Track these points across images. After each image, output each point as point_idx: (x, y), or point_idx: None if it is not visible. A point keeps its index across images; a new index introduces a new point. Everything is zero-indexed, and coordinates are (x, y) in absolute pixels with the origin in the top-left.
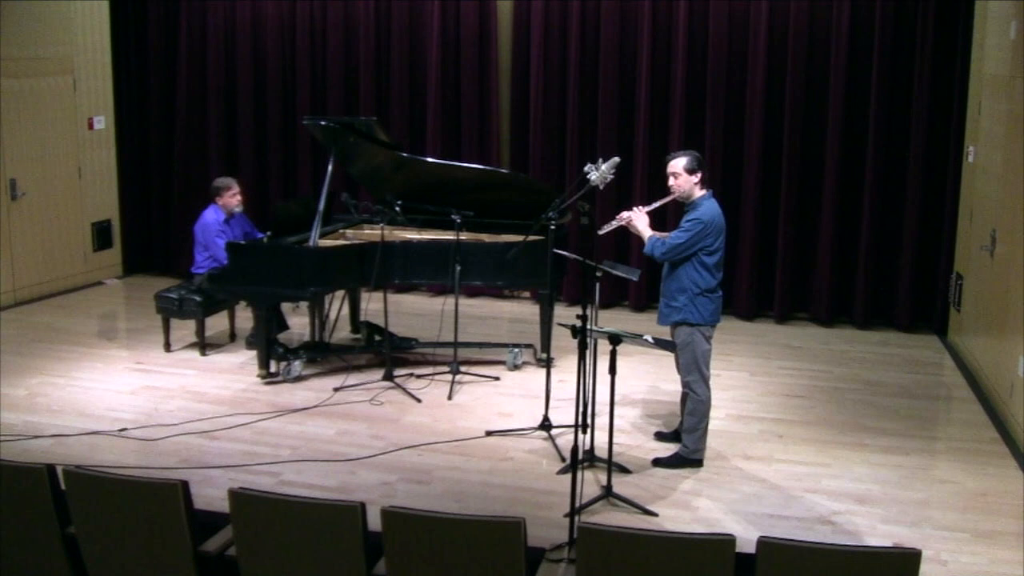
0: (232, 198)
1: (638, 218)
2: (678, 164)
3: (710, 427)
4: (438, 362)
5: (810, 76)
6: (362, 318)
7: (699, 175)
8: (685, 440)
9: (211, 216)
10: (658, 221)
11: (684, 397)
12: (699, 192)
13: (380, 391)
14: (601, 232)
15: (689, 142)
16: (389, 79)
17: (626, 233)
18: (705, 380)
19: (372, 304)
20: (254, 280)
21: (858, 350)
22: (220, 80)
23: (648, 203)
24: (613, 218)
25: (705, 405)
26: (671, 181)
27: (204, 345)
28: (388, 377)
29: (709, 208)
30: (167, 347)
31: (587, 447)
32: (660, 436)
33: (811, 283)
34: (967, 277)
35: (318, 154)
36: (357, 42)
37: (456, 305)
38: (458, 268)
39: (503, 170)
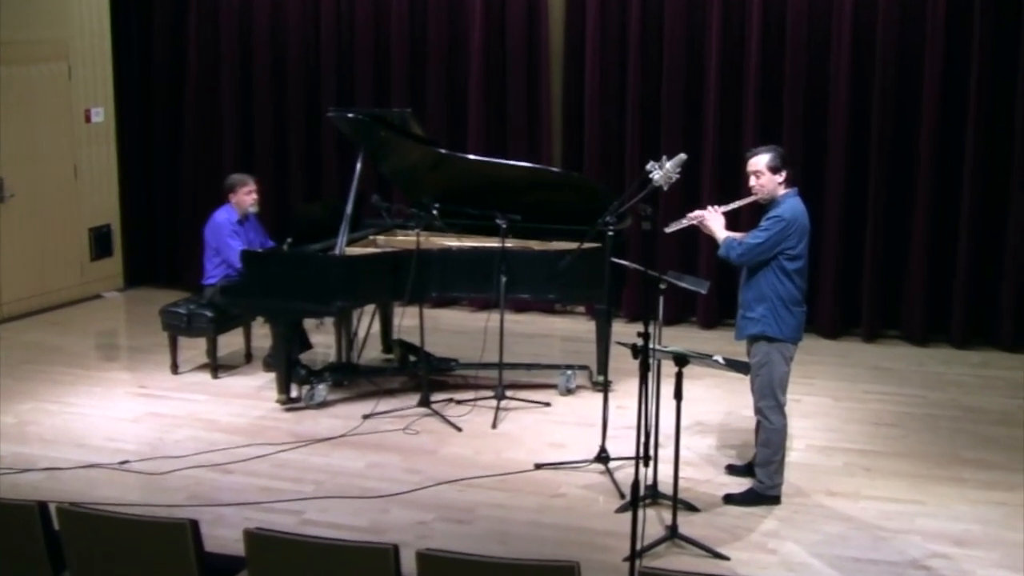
0: (247, 196)
1: (712, 218)
2: (760, 161)
3: (789, 459)
4: (481, 386)
5: (902, 62)
6: (395, 336)
7: (784, 174)
8: (759, 474)
9: (223, 216)
10: (731, 225)
11: (759, 425)
12: (783, 190)
13: (415, 419)
14: (668, 231)
15: (765, 137)
16: (425, 65)
17: (693, 240)
18: (780, 406)
19: (406, 320)
20: (273, 293)
21: (956, 372)
22: (234, 67)
23: (723, 204)
24: (683, 216)
25: (780, 435)
26: (752, 181)
27: (216, 367)
28: (424, 403)
29: (792, 205)
30: (174, 369)
31: (649, 482)
32: (732, 470)
33: (903, 297)
34: None
35: (345, 151)
36: (389, 23)
37: (501, 321)
38: (503, 279)
39: (554, 168)
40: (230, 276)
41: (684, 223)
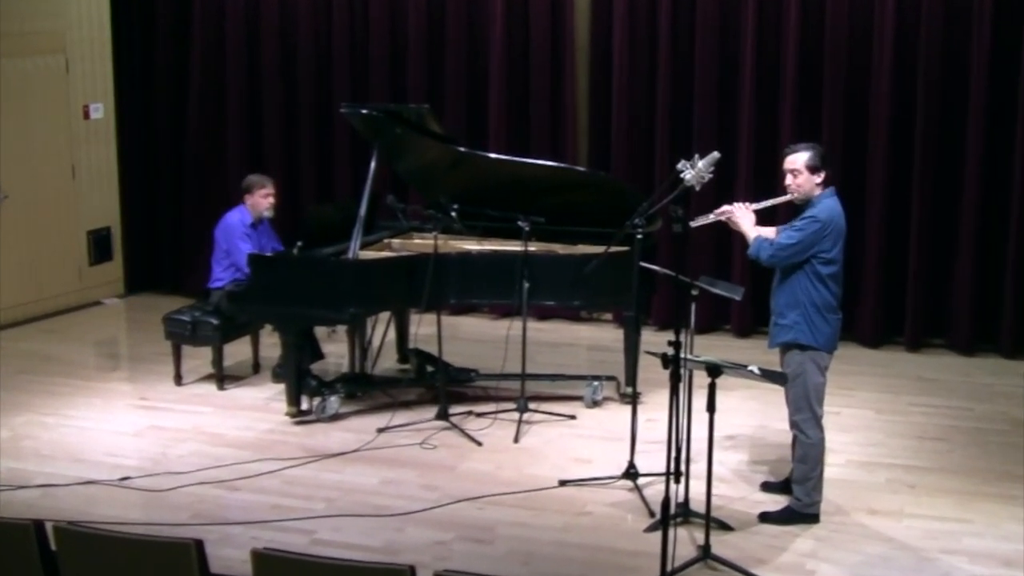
0: (264, 199)
1: (742, 215)
2: (799, 160)
3: (828, 475)
4: (502, 398)
5: (947, 56)
6: (411, 345)
7: (823, 174)
8: (796, 491)
9: (236, 217)
10: (764, 224)
11: (795, 440)
12: (820, 191)
13: (433, 433)
14: (694, 224)
15: (803, 134)
16: (443, 59)
17: (727, 243)
18: (817, 419)
19: (423, 328)
20: (282, 299)
21: (1005, 383)
22: (241, 60)
23: (754, 201)
24: (711, 211)
25: (817, 449)
26: (789, 180)
27: (222, 377)
28: (442, 416)
29: (828, 206)
30: (178, 380)
31: (681, 499)
32: (768, 487)
33: (948, 303)
34: None
35: (359, 149)
36: (405, 15)
37: (524, 329)
38: (526, 285)
39: (580, 168)
40: (239, 280)
41: (711, 218)
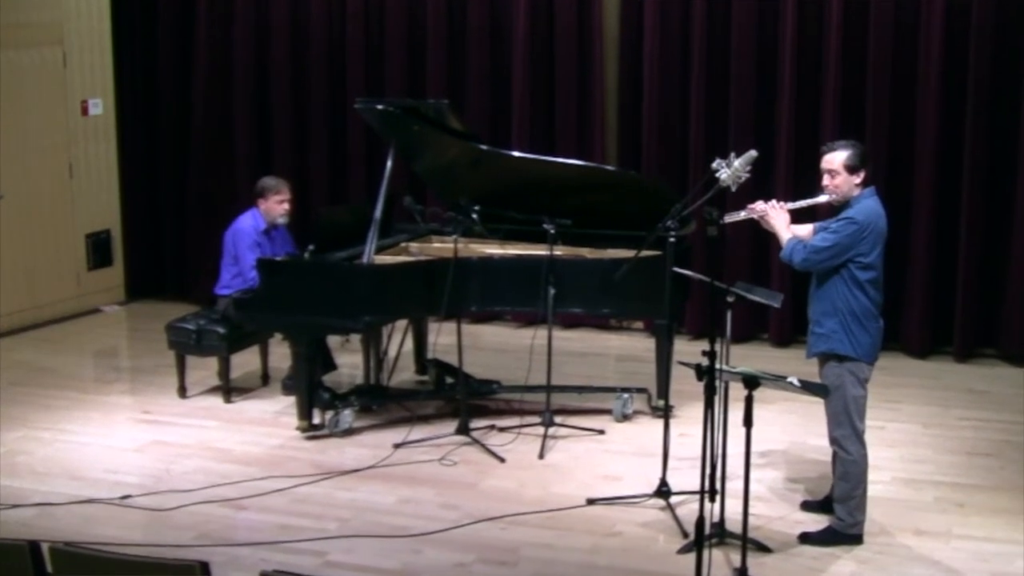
0: (279, 204)
1: (776, 214)
2: (836, 159)
3: (872, 493)
4: (526, 411)
5: (998, 49)
6: (430, 355)
7: (862, 174)
8: (838, 511)
9: (247, 222)
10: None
11: (835, 457)
12: (859, 192)
13: (453, 448)
14: (725, 220)
15: (845, 132)
16: (464, 51)
17: (765, 246)
18: (858, 434)
19: (443, 338)
20: (292, 307)
21: None
22: (250, 53)
23: (789, 200)
24: (743, 208)
25: (859, 467)
26: (826, 180)
27: (229, 390)
28: (463, 430)
29: (867, 207)
30: (182, 392)
31: (716, 519)
32: (807, 506)
33: (1000, 311)
34: None
35: (374, 147)
36: (423, 4)
37: (549, 339)
38: (552, 291)
39: (608, 167)
40: (246, 290)
41: (742, 215)
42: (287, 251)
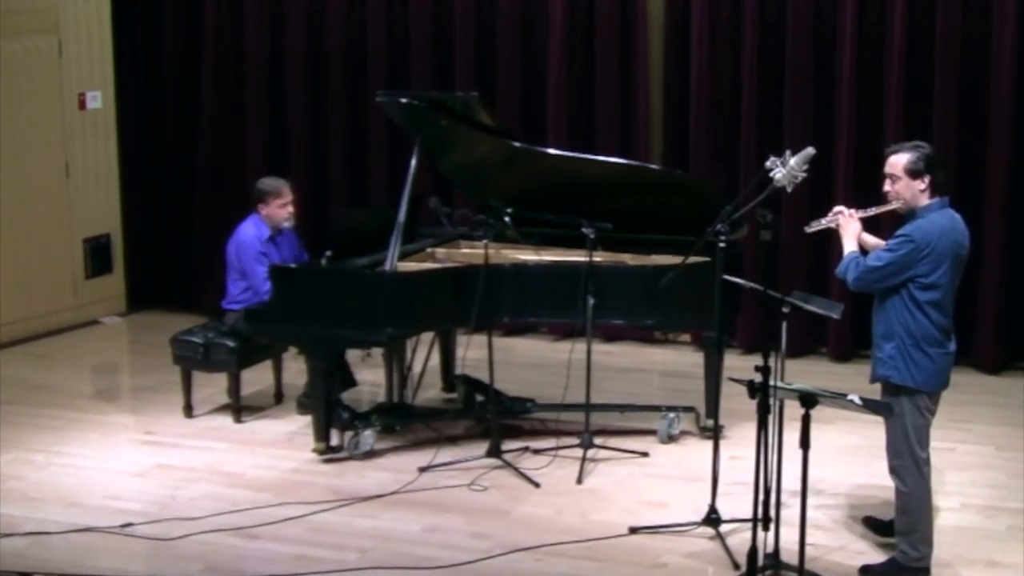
0: (281, 208)
1: (846, 223)
2: (897, 163)
3: (940, 521)
4: (563, 432)
5: None
6: (458, 371)
7: (926, 179)
8: (901, 544)
9: (249, 232)
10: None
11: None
12: (926, 201)
13: (483, 472)
14: (809, 230)
15: (912, 129)
16: (495, 40)
17: (824, 251)
18: (919, 465)
19: (472, 352)
20: (309, 318)
21: None
22: (263, 42)
23: (863, 208)
24: (825, 215)
25: (918, 500)
26: (887, 185)
27: (240, 408)
28: (494, 453)
29: (930, 222)
30: (188, 411)
31: (770, 549)
32: (871, 523)
33: None
34: None
35: (397, 144)
36: None
37: (588, 352)
38: (591, 301)
39: (652, 165)
40: (256, 301)
41: (825, 222)
42: (295, 254)
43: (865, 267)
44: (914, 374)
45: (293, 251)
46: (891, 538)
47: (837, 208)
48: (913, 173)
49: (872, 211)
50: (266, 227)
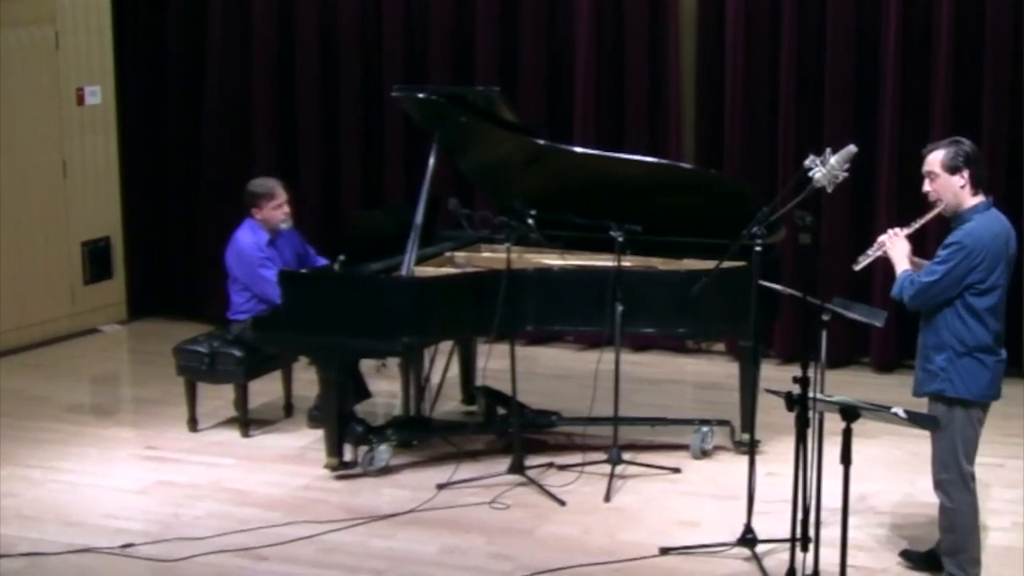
0: (276, 210)
1: (893, 243)
2: (935, 160)
3: (990, 541)
4: (590, 447)
5: None
6: (478, 382)
7: (966, 174)
8: (948, 566)
9: (248, 239)
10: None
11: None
12: (970, 201)
13: (505, 489)
14: (857, 268)
15: (959, 128)
16: (518, 33)
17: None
18: (966, 480)
19: (493, 362)
20: (320, 326)
21: None
22: (271, 35)
23: (904, 226)
24: (869, 247)
25: (965, 516)
26: (926, 185)
27: (247, 422)
28: (517, 469)
29: (979, 225)
30: (192, 425)
31: (809, 571)
32: (908, 556)
33: None
34: None
35: (414, 142)
36: None
37: (616, 363)
38: (619, 308)
39: (685, 165)
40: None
41: (872, 254)
42: (297, 253)
43: (921, 284)
44: (969, 385)
45: (296, 251)
46: (928, 573)
47: (881, 238)
48: (951, 169)
49: (917, 224)
50: (263, 232)
